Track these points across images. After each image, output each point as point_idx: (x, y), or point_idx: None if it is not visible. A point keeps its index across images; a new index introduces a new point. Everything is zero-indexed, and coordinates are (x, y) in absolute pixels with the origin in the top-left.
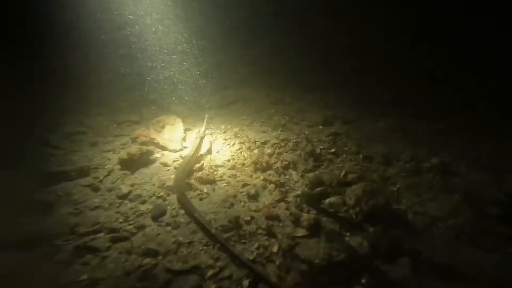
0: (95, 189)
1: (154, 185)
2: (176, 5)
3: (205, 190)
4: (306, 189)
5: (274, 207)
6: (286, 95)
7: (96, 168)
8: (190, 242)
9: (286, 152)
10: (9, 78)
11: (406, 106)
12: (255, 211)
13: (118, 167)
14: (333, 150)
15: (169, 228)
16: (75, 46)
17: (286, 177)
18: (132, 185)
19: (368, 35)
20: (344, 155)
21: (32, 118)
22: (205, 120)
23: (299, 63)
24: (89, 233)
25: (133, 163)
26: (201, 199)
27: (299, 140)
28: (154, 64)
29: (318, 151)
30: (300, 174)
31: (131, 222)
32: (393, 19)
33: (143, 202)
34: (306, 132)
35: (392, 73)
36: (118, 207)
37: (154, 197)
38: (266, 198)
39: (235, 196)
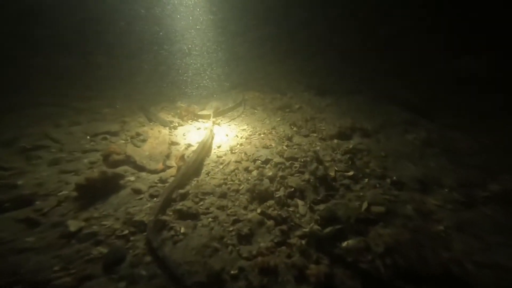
0: (33, 224)
1: (117, 219)
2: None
3: (182, 230)
4: (315, 227)
5: (272, 253)
6: (294, 100)
7: (46, 195)
8: None
9: (292, 175)
10: None
11: (438, 113)
12: (246, 259)
13: (75, 194)
14: (351, 173)
15: (122, 284)
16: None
17: (290, 209)
18: (86, 220)
19: (386, 34)
20: (366, 180)
21: None
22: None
23: (309, 65)
24: None
25: (94, 191)
26: (175, 243)
27: (308, 159)
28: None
29: (332, 174)
30: (308, 205)
31: (71, 272)
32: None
33: (97, 244)
34: (317, 148)
35: (415, 74)
36: (58, 249)
37: (113, 237)
38: (263, 239)
39: (221, 238)
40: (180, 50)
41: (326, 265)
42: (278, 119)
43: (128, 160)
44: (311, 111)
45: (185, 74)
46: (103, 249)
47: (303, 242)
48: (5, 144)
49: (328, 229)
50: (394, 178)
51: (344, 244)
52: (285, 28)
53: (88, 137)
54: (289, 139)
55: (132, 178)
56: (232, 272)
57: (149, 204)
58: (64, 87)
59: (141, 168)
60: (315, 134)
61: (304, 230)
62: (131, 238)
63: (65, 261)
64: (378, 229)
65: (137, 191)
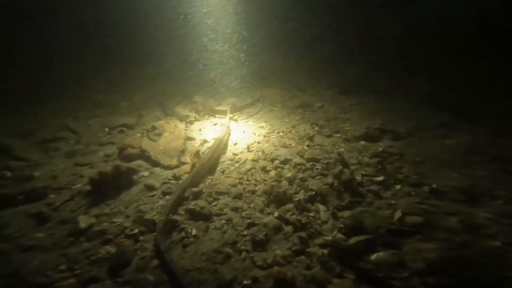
0: (43, 220)
1: (128, 217)
2: None
3: (193, 232)
4: (339, 235)
5: (289, 262)
6: (316, 98)
7: (60, 189)
8: None
9: (313, 177)
10: None
11: (482, 116)
12: (261, 268)
13: (88, 188)
14: (380, 178)
15: None
16: None
17: (311, 215)
18: (97, 217)
19: (420, 28)
20: (398, 186)
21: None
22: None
23: (333, 62)
24: None
25: (107, 185)
26: (185, 246)
27: (332, 161)
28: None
29: (358, 178)
30: (331, 211)
31: (76, 272)
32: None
33: (105, 243)
34: (342, 150)
35: (454, 72)
36: (66, 248)
37: (122, 236)
38: (279, 247)
39: (234, 243)
40: (199, 46)
41: (351, 280)
42: (298, 117)
43: (143, 155)
44: (334, 110)
45: (203, 70)
46: (111, 249)
47: (325, 252)
48: (25, 135)
49: (353, 239)
50: (434, 186)
51: (373, 257)
52: (308, 25)
53: (106, 129)
54: (310, 139)
55: (146, 174)
56: (244, 282)
57: (161, 202)
58: (85, 80)
59: (155, 163)
60: (338, 135)
61: (326, 238)
62: (140, 238)
63: (71, 260)
64: (415, 242)
65: (150, 188)
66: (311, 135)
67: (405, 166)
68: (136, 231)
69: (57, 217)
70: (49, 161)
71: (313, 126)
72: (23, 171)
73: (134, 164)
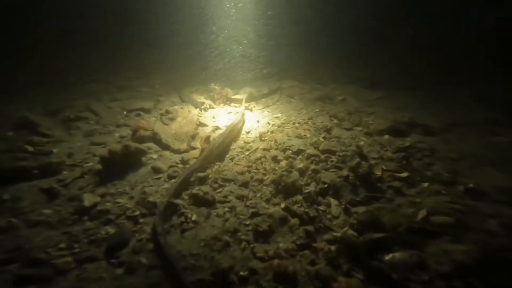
0: (53, 195)
1: (132, 198)
2: None
3: (193, 218)
4: (350, 232)
5: (292, 256)
6: (338, 91)
7: (73, 166)
8: None
9: (327, 170)
10: None
11: None
12: (261, 260)
13: (99, 167)
14: (404, 174)
15: (120, 271)
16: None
17: (321, 208)
18: (102, 196)
19: (456, 23)
20: (425, 184)
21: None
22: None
23: (362, 55)
24: None
25: (116, 165)
26: (183, 231)
27: (349, 154)
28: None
29: (377, 173)
30: (343, 206)
31: (75, 251)
32: None
33: (107, 223)
34: (362, 143)
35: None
36: (69, 225)
37: (123, 217)
38: (283, 239)
39: (235, 232)
40: (223, 35)
41: (359, 279)
42: (317, 109)
43: (154, 137)
44: (357, 104)
45: (225, 59)
46: (111, 229)
47: (332, 248)
48: (52, 113)
49: (366, 236)
50: (471, 185)
51: (389, 257)
52: (338, 16)
53: (125, 112)
54: (327, 131)
55: (155, 156)
56: (241, 273)
57: (166, 185)
58: (112, 66)
59: (166, 147)
60: (359, 128)
61: (335, 234)
62: (141, 220)
63: (72, 239)
64: (441, 243)
65: (157, 170)
66: (328, 127)
67: (437, 163)
68: (137, 213)
69: (66, 193)
70: (68, 138)
71: (332, 118)
72: (44, 146)
73: (144, 146)
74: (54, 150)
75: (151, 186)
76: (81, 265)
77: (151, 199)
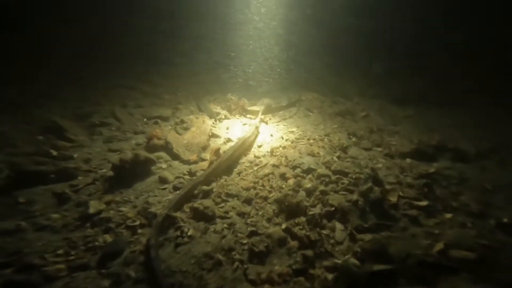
0: (64, 200)
1: (135, 207)
2: None
3: (189, 232)
4: (352, 260)
5: (285, 281)
6: (361, 106)
7: (88, 171)
8: None
9: (336, 192)
10: None
11: None
12: (252, 283)
13: (111, 174)
14: (424, 203)
15: (106, 282)
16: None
17: (324, 232)
18: (108, 203)
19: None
20: (448, 215)
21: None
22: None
23: (392, 67)
24: None
25: (126, 173)
26: (177, 245)
27: (363, 176)
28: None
29: (392, 199)
30: (348, 231)
31: (70, 258)
32: None
33: (107, 231)
34: (379, 166)
35: None
36: (71, 231)
37: (123, 226)
38: (279, 262)
39: (230, 250)
40: (245, 45)
41: None
42: (335, 125)
43: (167, 146)
44: (381, 121)
45: (247, 68)
46: (109, 238)
47: (330, 276)
48: (80, 118)
49: (368, 267)
50: (505, 220)
51: None
52: (367, 27)
53: (145, 119)
54: (343, 149)
55: (164, 166)
56: None
57: (170, 196)
58: (141, 72)
59: (176, 156)
60: (379, 149)
61: (336, 261)
62: (139, 230)
63: (70, 245)
64: (457, 281)
65: (163, 180)
66: (345, 145)
67: (466, 193)
68: (137, 223)
69: (75, 199)
70: (90, 144)
71: (350, 136)
72: (67, 151)
73: (156, 155)
74: (75, 155)
75: (155, 196)
76: (72, 273)
77: (152, 209)
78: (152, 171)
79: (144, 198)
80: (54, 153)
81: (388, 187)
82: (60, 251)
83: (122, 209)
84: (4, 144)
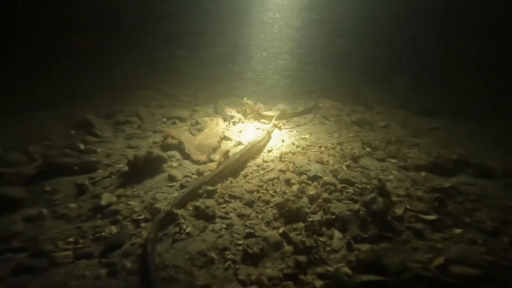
0: (82, 191)
1: (142, 202)
2: None
3: (187, 229)
4: (344, 269)
5: (274, 285)
6: (382, 116)
7: (107, 165)
8: None
9: (339, 200)
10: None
11: None
12: (241, 283)
13: (126, 169)
14: (432, 217)
15: (103, 271)
16: None
17: (321, 239)
18: (118, 197)
19: None
20: (457, 230)
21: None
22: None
23: (417, 76)
24: (8, 250)
25: (139, 169)
26: (174, 241)
27: (369, 187)
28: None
29: (398, 212)
30: (346, 241)
31: (78, 246)
32: None
33: (114, 223)
34: (391, 177)
35: None
36: (84, 221)
37: (128, 219)
38: (272, 265)
39: (224, 250)
40: (266, 49)
41: None
42: (351, 135)
43: (179, 146)
44: (401, 132)
45: (266, 73)
46: (115, 230)
47: (320, 283)
48: (108, 116)
49: (360, 277)
50: None
51: None
52: (394, 32)
53: (164, 119)
54: (354, 159)
55: (175, 164)
56: None
57: (175, 194)
58: (166, 75)
59: (187, 156)
60: (393, 160)
61: (328, 268)
62: (142, 224)
63: (80, 234)
64: None
65: (172, 178)
66: (356, 155)
67: (482, 210)
68: (142, 217)
69: (92, 191)
70: (113, 140)
71: (364, 146)
72: (93, 145)
73: (169, 153)
74: (99, 150)
75: (162, 192)
76: (76, 260)
77: (158, 205)
78: (163, 168)
79: (152, 194)
80: (82, 146)
81: (395, 199)
82: (71, 239)
83: (131, 203)
84: (42, 137)
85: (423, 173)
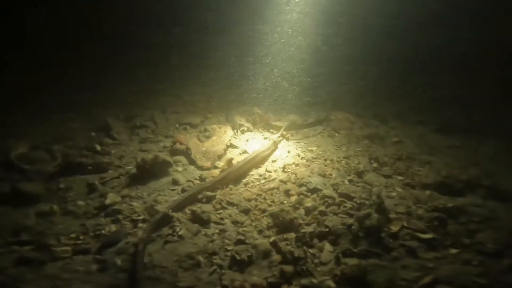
0: (92, 190)
1: (144, 203)
2: None
3: (180, 232)
4: (328, 282)
5: None
6: (396, 132)
7: (118, 167)
8: None
9: (335, 214)
10: None
11: None
12: None
13: (134, 172)
14: (428, 235)
15: (94, 267)
16: None
17: (310, 251)
18: (123, 197)
19: None
20: (452, 251)
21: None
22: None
23: (440, 90)
24: (16, 243)
25: (145, 171)
26: (166, 243)
27: (368, 202)
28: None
29: (394, 229)
30: (336, 254)
31: (78, 242)
32: None
33: (115, 221)
34: (393, 194)
35: None
36: (88, 218)
37: (128, 219)
38: (259, 273)
39: (212, 254)
40: (279, 58)
41: None
42: (360, 149)
43: (187, 152)
44: (414, 149)
45: (281, 82)
46: (114, 228)
47: None
48: (127, 119)
49: None
50: None
51: None
52: (417, 42)
53: (177, 125)
54: (359, 174)
55: (180, 169)
56: None
57: (176, 197)
58: (186, 82)
59: (193, 162)
60: (400, 177)
61: (313, 281)
62: (139, 224)
63: (82, 231)
64: None
65: (175, 182)
66: (360, 170)
67: (487, 232)
68: (141, 217)
69: (101, 190)
70: (127, 143)
71: (372, 161)
72: (108, 147)
73: (176, 158)
74: (113, 152)
75: (164, 195)
76: (74, 255)
77: (158, 207)
78: (168, 172)
79: (155, 196)
80: (98, 148)
81: (393, 216)
82: (73, 235)
83: (133, 203)
84: (67, 137)
85: (428, 192)
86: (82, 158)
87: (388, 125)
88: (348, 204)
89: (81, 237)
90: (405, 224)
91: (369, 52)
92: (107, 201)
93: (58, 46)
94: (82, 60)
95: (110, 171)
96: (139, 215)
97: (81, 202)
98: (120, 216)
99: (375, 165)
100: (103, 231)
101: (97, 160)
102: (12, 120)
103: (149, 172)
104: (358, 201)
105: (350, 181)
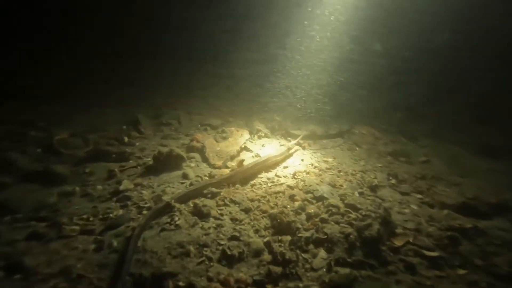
0: (111, 176)
1: (153, 193)
2: None
3: (177, 222)
4: None
5: None
6: (426, 150)
7: (138, 157)
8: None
9: (336, 223)
10: None
11: None
12: (208, 279)
13: (151, 163)
14: (434, 253)
15: (92, 246)
16: None
17: (303, 255)
18: (136, 185)
19: None
20: (462, 272)
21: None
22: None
23: (483, 108)
24: (34, 219)
25: (160, 164)
26: (162, 230)
27: (373, 215)
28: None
29: (397, 243)
30: (328, 261)
31: (88, 222)
32: None
33: (123, 207)
34: (406, 211)
35: None
36: (101, 202)
37: (135, 206)
38: (247, 271)
39: (204, 246)
40: (304, 68)
41: None
42: (380, 165)
43: (202, 150)
44: (445, 170)
45: (307, 93)
46: (121, 213)
47: None
48: (155, 117)
49: None
50: None
51: None
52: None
53: (199, 125)
54: (372, 188)
55: (193, 165)
56: (180, 283)
57: (181, 189)
58: (214, 87)
59: (205, 159)
60: (419, 196)
61: (299, 285)
62: (143, 211)
63: (94, 213)
64: None
65: (185, 176)
66: (375, 184)
67: (505, 255)
68: (146, 205)
69: (119, 177)
70: (151, 137)
71: (390, 177)
72: (134, 140)
73: (191, 154)
74: (137, 144)
75: (173, 187)
76: (79, 235)
77: (164, 197)
78: (181, 166)
79: (164, 187)
80: (126, 139)
81: (399, 231)
82: (84, 216)
83: (143, 192)
84: (102, 128)
85: (445, 211)
86: (109, 147)
87: (417, 143)
88: (353, 215)
89: (91, 219)
90: (410, 240)
91: (414, 69)
92: (121, 187)
93: (122, 57)
94: (140, 71)
95: (130, 161)
96: (145, 203)
97: (99, 186)
98: (129, 202)
99: (393, 181)
100: (111, 215)
101: (121, 150)
102: (60, 110)
103: (163, 164)
104: (364, 213)
105: (360, 193)
